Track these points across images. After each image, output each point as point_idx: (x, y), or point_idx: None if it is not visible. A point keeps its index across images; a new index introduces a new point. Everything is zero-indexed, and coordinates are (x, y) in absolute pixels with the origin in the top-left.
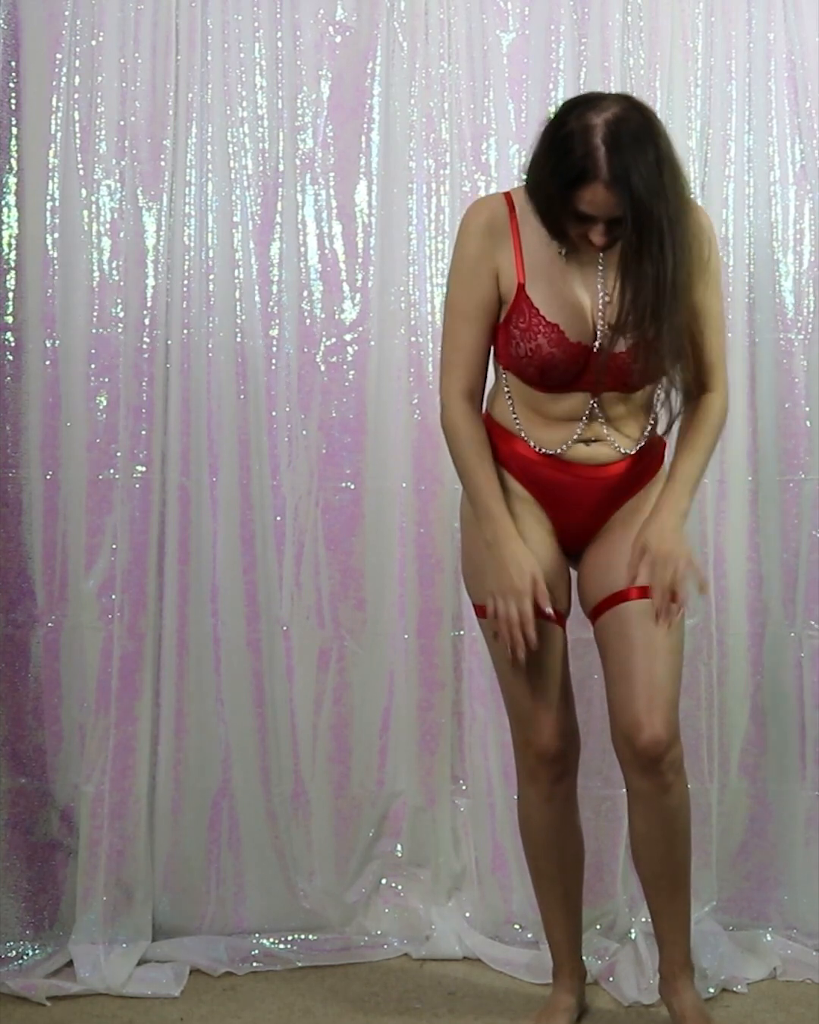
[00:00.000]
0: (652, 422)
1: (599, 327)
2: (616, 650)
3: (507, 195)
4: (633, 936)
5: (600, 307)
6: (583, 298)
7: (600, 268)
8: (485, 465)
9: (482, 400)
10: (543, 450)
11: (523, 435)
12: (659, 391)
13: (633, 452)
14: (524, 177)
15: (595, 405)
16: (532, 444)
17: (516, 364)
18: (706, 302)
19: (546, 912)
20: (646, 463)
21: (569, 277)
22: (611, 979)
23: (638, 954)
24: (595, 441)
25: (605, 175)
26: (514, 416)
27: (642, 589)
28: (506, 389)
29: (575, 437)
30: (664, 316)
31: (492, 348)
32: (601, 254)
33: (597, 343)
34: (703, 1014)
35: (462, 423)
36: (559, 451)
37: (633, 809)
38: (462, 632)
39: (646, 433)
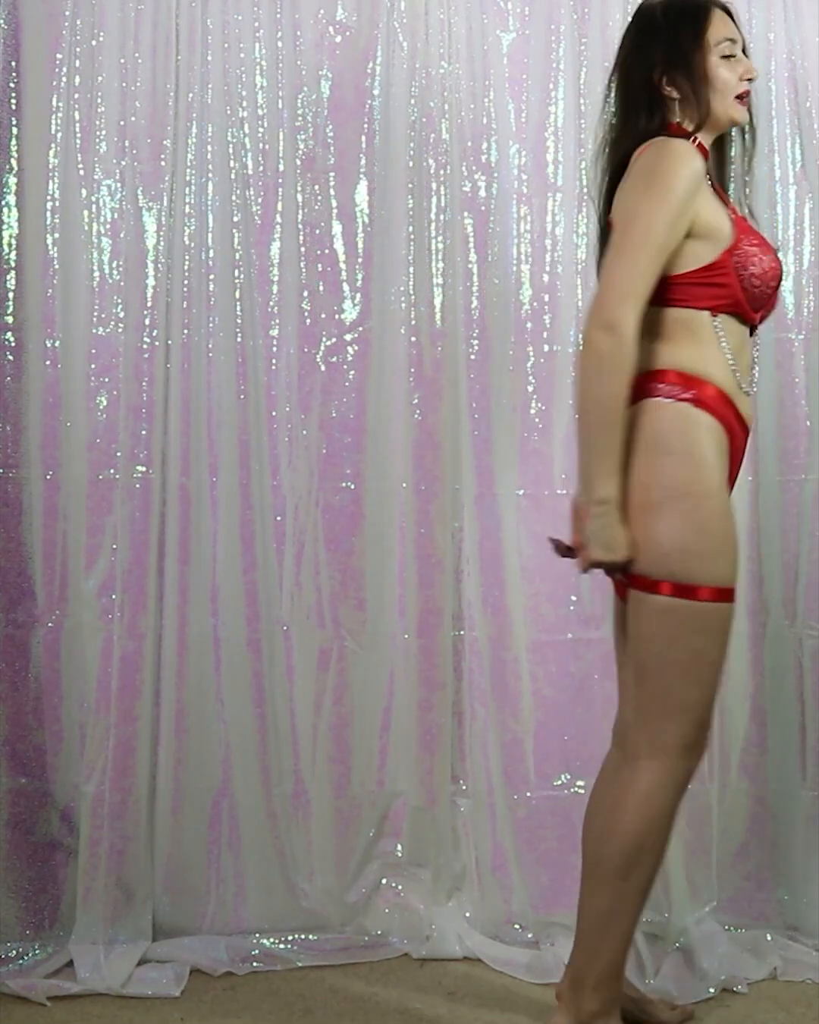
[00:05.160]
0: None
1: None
2: None
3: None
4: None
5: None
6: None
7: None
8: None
9: None
10: (743, 415)
11: (734, 399)
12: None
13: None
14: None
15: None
16: (740, 409)
17: (751, 285)
18: None
19: (630, 927)
20: None
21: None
22: None
23: (638, 954)
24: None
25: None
26: (733, 367)
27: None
28: (721, 338)
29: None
30: None
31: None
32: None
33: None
34: None
35: (630, 359)
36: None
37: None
38: (462, 632)
39: None
